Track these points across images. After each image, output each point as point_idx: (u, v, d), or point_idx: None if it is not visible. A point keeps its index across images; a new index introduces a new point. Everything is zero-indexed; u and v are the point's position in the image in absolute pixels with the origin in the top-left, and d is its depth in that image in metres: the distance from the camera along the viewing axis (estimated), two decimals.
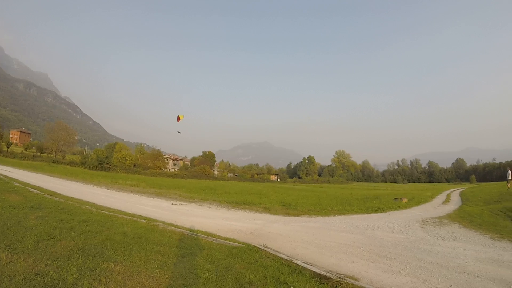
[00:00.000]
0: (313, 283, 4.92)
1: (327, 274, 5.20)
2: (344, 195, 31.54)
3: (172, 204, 16.77)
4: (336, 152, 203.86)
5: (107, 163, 67.22)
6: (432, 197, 31.14)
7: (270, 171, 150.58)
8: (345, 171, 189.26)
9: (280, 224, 11.58)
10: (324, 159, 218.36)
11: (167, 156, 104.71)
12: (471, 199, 24.51)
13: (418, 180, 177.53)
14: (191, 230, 8.66)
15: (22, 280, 3.95)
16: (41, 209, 9.50)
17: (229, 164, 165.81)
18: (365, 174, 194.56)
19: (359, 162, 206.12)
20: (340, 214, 15.36)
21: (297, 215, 14.59)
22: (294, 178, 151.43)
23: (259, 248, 6.88)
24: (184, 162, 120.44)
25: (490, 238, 9.53)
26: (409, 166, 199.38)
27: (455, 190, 49.89)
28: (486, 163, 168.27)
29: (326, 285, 4.86)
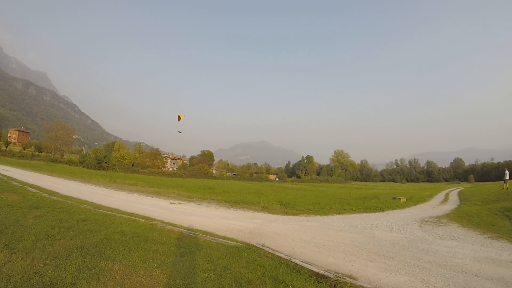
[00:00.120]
0: (312, 282, 4.93)
1: (326, 273, 5.20)
2: (343, 195, 31.56)
3: (171, 203, 16.75)
4: (335, 151, 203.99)
5: (106, 162, 67.07)
6: (431, 196, 31.23)
7: (268, 171, 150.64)
8: (344, 170, 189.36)
9: (279, 223, 11.59)
10: (323, 158, 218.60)
11: (165, 155, 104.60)
12: (469, 199, 24.59)
13: (417, 180, 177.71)
14: (189, 229, 8.66)
15: (21, 280, 3.95)
16: (39, 208, 9.48)
17: (228, 163, 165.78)
18: (363, 173, 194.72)
19: (357, 161, 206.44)
20: (338, 213, 15.39)
21: (296, 214, 14.60)
22: (293, 177, 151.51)
23: (257, 247, 6.89)
24: (182, 161, 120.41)
25: (488, 237, 9.57)
26: (408, 165, 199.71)
27: (453, 190, 50.03)
28: (485, 163, 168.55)
29: (324, 284, 4.87)
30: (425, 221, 13.01)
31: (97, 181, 28.76)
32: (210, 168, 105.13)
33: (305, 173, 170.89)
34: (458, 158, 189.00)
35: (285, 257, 6.19)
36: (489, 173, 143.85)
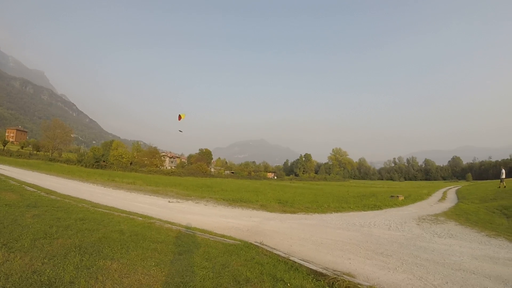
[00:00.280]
0: (310, 280, 4.93)
1: (324, 271, 5.21)
2: (341, 193, 31.61)
3: (169, 201, 16.74)
4: (333, 149, 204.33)
5: (104, 161, 66.92)
6: (428, 194, 31.30)
7: (267, 169, 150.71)
8: (342, 168, 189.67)
9: (277, 222, 11.60)
10: (321, 156, 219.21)
11: (163, 153, 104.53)
12: (467, 197, 24.67)
13: (415, 178, 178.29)
14: (187, 227, 8.66)
15: (19, 279, 3.94)
16: (37, 207, 9.45)
17: (226, 162, 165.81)
18: (361, 171, 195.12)
19: (355, 159, 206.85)
20: (336, 211, 15.40)
21: (294, 212, 14.61)
22: (291, 175, 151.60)
23: (255, 245, 6.89)
24: (181, 160, 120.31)
25: (486, 235, 9.61)
26: (406, 164, 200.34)
27: (451, 188, 50.19)
28: (482, 161, 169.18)
29: (322, 282, 4.87)
30: (423, 219, 13.05)
31: (95, 180, 28.70)
32: (208, 167, 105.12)
33: (303, 171, 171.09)
34: (456, 156, 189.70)
35: (283, 255, 6.20)
36: (486, 171, 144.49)
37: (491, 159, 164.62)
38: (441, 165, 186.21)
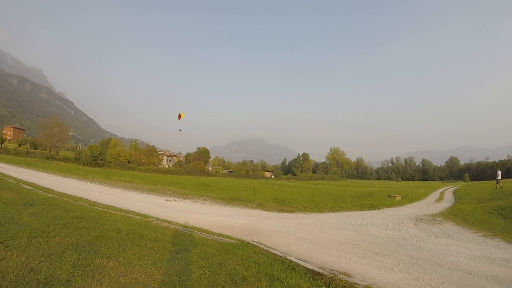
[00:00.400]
0: (307, 279, 4.94)
1: (321, 271, 5.22)
2: (338, 192, 31.69)
3: (166, 200, 16.73)
4: (331, 149, 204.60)
5: (101, 159, 66.77)
6: (426, 195, 31.42)
7: (264, 168, 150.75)
8: (339, 168, 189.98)
9: (274, 221, 11.62)
10: (319, 156, 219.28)
11: (161, 152, 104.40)
12: (464, 197, 24.79)
13: (412, 178, 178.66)
14: (185, 226, 8.66)
15: (16, 277, 3.92)
16: (34, 205, 9.41)
17: (224, 161, 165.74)
18: (359, 171, 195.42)
19: (353, 159, 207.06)
20: (334, 211, 15.44)
21: (291, 211, 14.64)
22: (289, 174, 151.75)
23: (252, 244, 6.89)
24: (178, 158, 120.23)
25: (483, 236, 9.66)
26: (403, 164, 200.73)
27: (448, 188, 50.39)
28: (480, 161, 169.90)
29: (319, 281, 4.88)
30: (420, 219, 13.10)
31: (93, 178, 28.63)
32: (206, 165, 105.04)
33: (301, 170, 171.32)
34: (453, 156, 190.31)
35: (280, 254, 6.21)
36: (484, 172, 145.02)
37: (488, 160, 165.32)
38: (439, 166, 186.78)
